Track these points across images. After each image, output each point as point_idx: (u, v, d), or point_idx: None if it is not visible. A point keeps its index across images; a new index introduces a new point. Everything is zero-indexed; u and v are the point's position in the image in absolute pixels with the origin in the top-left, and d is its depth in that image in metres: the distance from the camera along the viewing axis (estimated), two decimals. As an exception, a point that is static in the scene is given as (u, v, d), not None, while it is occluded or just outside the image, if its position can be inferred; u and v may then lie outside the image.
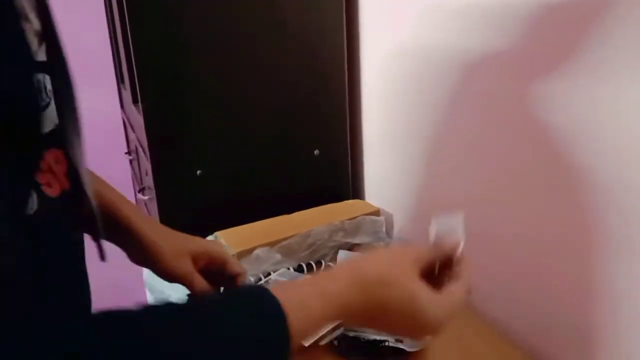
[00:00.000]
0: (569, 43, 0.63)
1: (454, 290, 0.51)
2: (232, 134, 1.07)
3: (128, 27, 0.95)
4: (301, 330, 0.41)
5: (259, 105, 1.07)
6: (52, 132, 0.38)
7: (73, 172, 0.40)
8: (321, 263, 0.98)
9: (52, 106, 0.38)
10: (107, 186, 0.62)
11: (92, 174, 0.65)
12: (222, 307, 0.40)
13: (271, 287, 0.42)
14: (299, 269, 0.96)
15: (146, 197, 1.30)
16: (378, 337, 0.71)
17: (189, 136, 1.03)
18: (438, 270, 0.54)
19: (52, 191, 0.37)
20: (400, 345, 0.70)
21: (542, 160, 0.70)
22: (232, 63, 1.02)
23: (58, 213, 0.38)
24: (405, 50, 0.98)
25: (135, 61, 0.96)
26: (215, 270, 0.64)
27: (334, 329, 0.74)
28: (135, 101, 1.17)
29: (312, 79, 1.11)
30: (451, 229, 0.56)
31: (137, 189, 1.54)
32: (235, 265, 0.65)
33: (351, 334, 0.72)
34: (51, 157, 0.38)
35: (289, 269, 0.94)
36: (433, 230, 0.56)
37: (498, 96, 0.76)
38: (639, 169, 0.57)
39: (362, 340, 0.71)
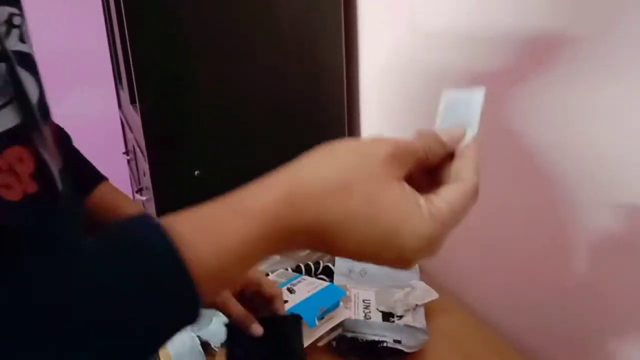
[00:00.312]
0: (553, 57, 0.63)
1: (449, 196, 0.37)
2: (230, 134, 1.06)
3: (126, 27, 0.95)
4: (210, 260, 0.32)
5: (257, 105, 1.07)
6: (13, 129, 0.34)
7: (44, 173, 0.36)
8: (319, 264, 0.98)
9: (14, 102, 0.34)
10: (130, 202, 0.60)
11: (112, 187, 0.65)
12: (99, 253, 0.31)
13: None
14: (297, 270, 0.96)
15: (144, 198, 1.29)
16: (377, 338, 0.70)
17: (187, 136, 1.03)
18: (438, 170, 0.40)
19: (11, 194, 0.33)
20: (399, 346, 0.70)
21: (542, 160, 0.70)
22: (230, 64, 1.02)
23: (21, 219, 0.34)
24: (404, 50, 0.98)
25: (133, 61, 0.96)
26: (250, 294, 0.62)
27: (331, 330, 0.74)
28: (133, 101, 1.16)
29: (311, 79, 1.10)
30: (465, 108, 0.41)
31: (135, 189, 1.53)
32: (269, 288, 0.62)
33: (349, 334, 0.71)
34: (12, 156, 0.33)
35: (287, 269, 0.94)
36: (440, 112, 0.43)
37: (498, 95, 0.76)
38: (631, 163, 0.57)
39: (361, 341, 0.71)
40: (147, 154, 1.02)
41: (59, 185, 0.39)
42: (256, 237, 0.33)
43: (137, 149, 1.34)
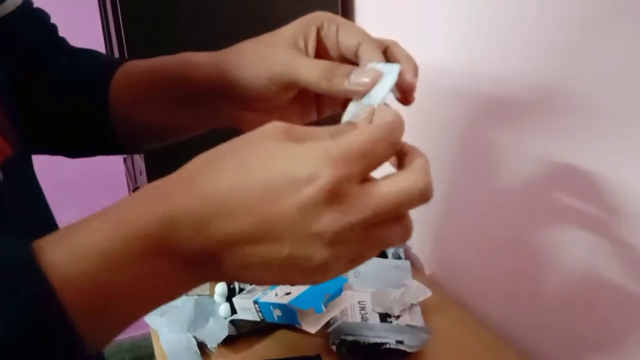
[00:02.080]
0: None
1: (345, 137, 0.30)
2: (226, 133, 1.05)
3: (122, 26, 0.94)
4: (63, 256, 0.28)
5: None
6: None
7: None
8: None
9: None
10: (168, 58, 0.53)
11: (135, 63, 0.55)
12: None
13: None
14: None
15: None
16: (379, 340, 0.69)
17: (184, 135, 1.02)
18: None
19: None
20: (401, 347, 0.69)
21: (543, 162, 0.69)
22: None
23: None
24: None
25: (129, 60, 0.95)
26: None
27: (327, 325, 0.73)
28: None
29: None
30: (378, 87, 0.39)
31: (131, 188, 1.52)
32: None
33: (350, 338, 0.70)
34: None
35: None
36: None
37: (498, 96, 0.75)
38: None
39: (362, 344, 0.70)
40: (144, 153, 1.01)
41: (0, 177, 0.36)
42: (119, 230, 0.29)
43: (133, 148, 1.33)
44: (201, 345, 0.75)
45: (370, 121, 0.36)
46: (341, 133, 0.32)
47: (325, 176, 0.28)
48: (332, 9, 1.06)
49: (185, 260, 0.30)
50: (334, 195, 0.28)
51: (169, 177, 0.32)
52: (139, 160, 1.17)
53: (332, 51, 0.46)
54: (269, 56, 0.45)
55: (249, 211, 0.29)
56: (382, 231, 0.31)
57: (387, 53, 0.44)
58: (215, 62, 0.49)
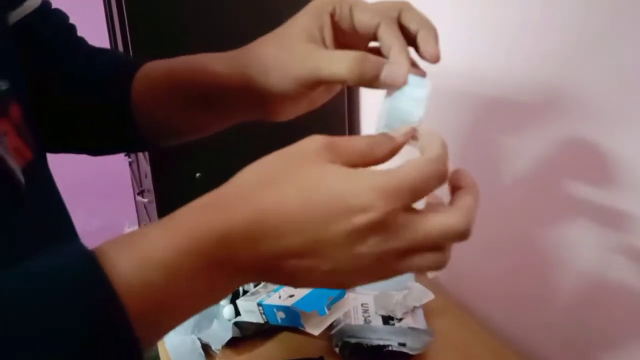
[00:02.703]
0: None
1: (399, 168, 0.32)
2: (232, 136, 1.06)
3: (127, 27, 0.95)
4: (128, 267, 0.29)
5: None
6: None
7: (2, 172, 0.35)
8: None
9: None
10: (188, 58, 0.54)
11: (155, 64, 0.55)
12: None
13: None
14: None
15: (145, 200, 1.29)
16: (381, 343, 0.70)
17: (189, 138, 1.02)
18: None
19: None
20: (404, 349, 0.69)
21: (544, 163, 0.69)
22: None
23: None
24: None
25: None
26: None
27: (330, 328, 0.74)
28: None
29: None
30: (411, 104, 0.40)
31: (137, 191, 1.53)
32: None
33: (353, 340, 0.71)
34: None
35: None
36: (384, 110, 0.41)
37: (498, 98, 0.75)
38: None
39: (365, 346, 0.70)
40: (149, 156, 1.02)
41: (22, 181, 0.37)
42: (183, 245, 0.30)
43: (139, 151, 1.34)
44: (205, 347, 0.75)
45: (409, 140, 0.37)
46: (379, 145, 0.35)
47: (378, 208, 0.30)
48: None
49: (235, 270, 0.32)
50: (382, 225, 0.31)
51: (226, 189, 0.34)
52: (144, 163, 1.18)
53: (349, 34, 0.44)
54: (289, 59, 0.44)
55: (302, 234, 0.31)
56: (416, 259, 0.33)
57: (401, 19, 0.42)
58: (238, 73, 0.48)
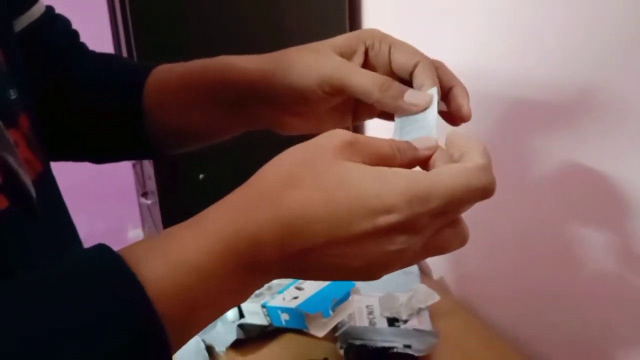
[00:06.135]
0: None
1: (440, 170, 0.33)
2: (234, 138, 1.06)
3: (131, 29, 0.95)
4: (160, 268, 0.29)
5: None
6: None
7: (14, 185, 0.34)
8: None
9: None
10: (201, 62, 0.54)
11: (165, 68, 0.55)
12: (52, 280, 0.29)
13: None
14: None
15: (149, 202, 1.29)
16: (386, 344, 0.70)
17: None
18: None
19: None
20: (409, 351, 0.69)
21: (547, 164, 0.69)
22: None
23: None
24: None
25: (137, 64, 0.96)
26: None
27: (334, 329, 0.73)
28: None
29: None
30: (421, 116, 0.42)
31: (140, 193, 1.53)
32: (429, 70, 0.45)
33: (358, 342, 0.71)
34: None
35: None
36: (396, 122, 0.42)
37: (501, 98, 0.75)
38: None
39: (370, 348, 0.70)
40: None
41: (33, 195, 0.37)
42: (215, 248, 0.31)
43: (142, 153, 1.34)
44: (209, 349, 0.75)
45: (432, 155, 0.37)
46: (403, 152, 0.36)
47: (402, 210, 0.31)
48: (339, 9, 1.06)
49: (263, 270, 0.33)
50: (407, 226, 0.31)
51: (247, 188, 0.34)
52: (148, 165, 1.18)
53: (381, 70, 0.45)
54: (319, 62, 0.45)
55: (326, 233, 0.31)
56: (444, 235, 0.34)
57: (437, 72, 0.44)
58: (259, 67, 0.49)
